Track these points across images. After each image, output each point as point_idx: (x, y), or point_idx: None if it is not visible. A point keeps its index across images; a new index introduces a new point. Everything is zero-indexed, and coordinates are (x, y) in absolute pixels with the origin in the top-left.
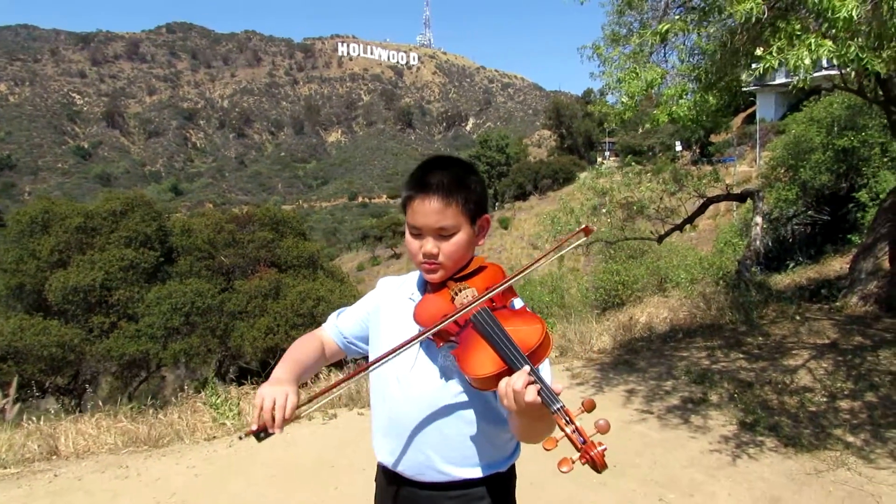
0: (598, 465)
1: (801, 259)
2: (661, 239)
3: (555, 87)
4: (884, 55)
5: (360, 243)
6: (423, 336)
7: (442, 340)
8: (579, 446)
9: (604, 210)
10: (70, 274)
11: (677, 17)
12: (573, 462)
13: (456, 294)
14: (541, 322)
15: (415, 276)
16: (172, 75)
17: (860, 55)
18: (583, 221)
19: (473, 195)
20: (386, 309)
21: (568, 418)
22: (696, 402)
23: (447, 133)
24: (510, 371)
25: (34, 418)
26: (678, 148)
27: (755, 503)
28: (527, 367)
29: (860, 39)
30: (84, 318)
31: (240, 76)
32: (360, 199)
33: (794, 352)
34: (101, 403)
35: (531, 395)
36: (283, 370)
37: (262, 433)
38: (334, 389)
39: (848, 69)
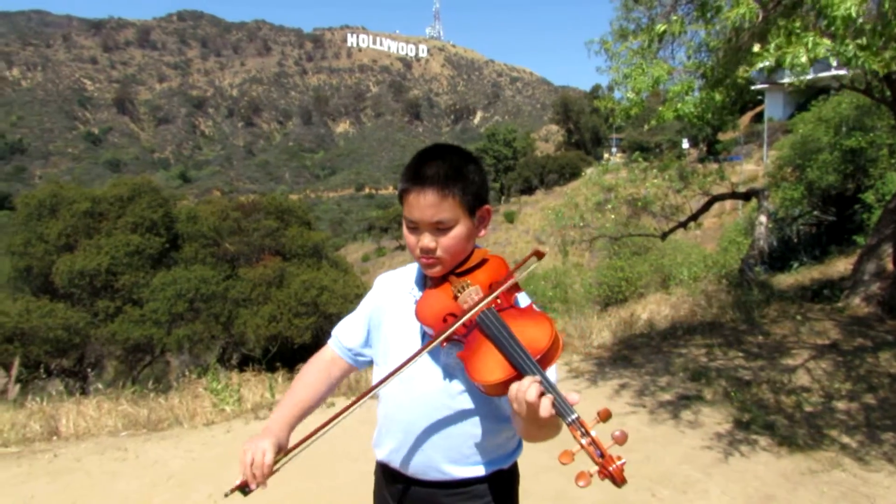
0: (617, 481)
1: (805, 259)
2: (664, 236)
3: (563, 82)
4: (885, 56)
5: (366, 234)
6: (432, 345)
7: (447, 340)
8: (597, 460)
9: (609, 206)
10: (77, 258)
11: (675, 17)
12: (591, 476)
13: (459, 292)
14: (549, 321)
15: (413, 268)
16: (182, 63)
17: (858, 54)
18: (587, 216)
19: (472, 186)
20: (387, 308)
21: (584, 430)
22: (691, 398)
23: (455, 126)
24: (520, 376)
25: (38, 399)
26: (685, 145)
27: (748, 501)
28: (537, 376)
29: (864, 39)
30: (90, 301)
31: (249, 65)
32: (366, 190)
33: (793, 351)
34: (101, 386)
35: (546, 409)
36: (276, 418)
37: (246, 488)
38: (310, 438)
39: (848, 69)
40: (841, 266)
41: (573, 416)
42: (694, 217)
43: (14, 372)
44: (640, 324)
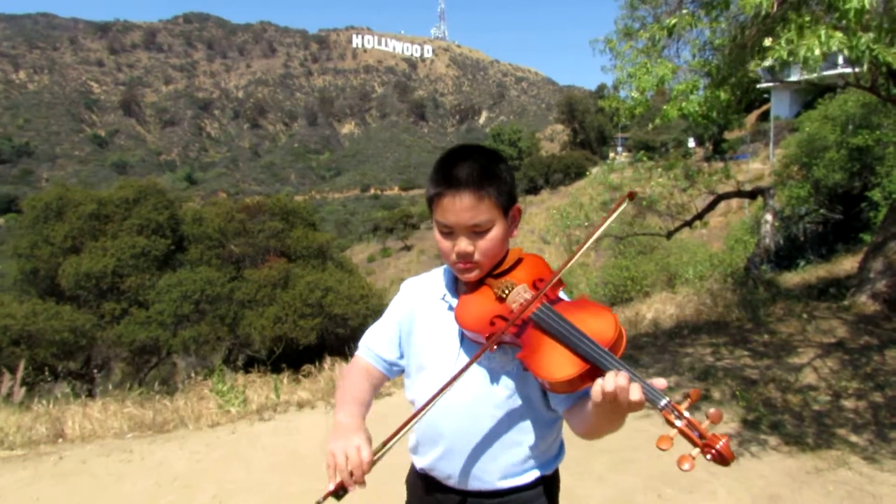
0: (726, 457)
1: (811, 258)
2: (670, 235)
3: (568, 82)
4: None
5: (372, 235)
6: (491, 345)
7: (496, 344)
8: (698, 442)
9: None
10: (83, 260)
11: (686, 11)
12: (694, 458)
13: (505, 293)
14: (610, 311)
15: (439, 273)
16: (188, 65)
17: (871, 46)
18: (592, 216)
19: (505, 185)
20: (419, 315)
21: (678, 413)
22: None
23: (460, 126)
24: (595, 370)
25: (45, 401)
26: (691, 144)
27: (754, 501)
28: (617, 366)
29: (872, 33)
30: (96, 303)
31: (255, 67)
32: (372, 191)
33: (799, 350)
34: (110, 388)
35: (636, 393)
36: (347, 414)
37: (341, 491)
38: (407, 426)
39: (861, 62)
40: (847, 264)
41: (665, 401)
42: (699, 216)
43: (19, 374)
44: (645, 323)
